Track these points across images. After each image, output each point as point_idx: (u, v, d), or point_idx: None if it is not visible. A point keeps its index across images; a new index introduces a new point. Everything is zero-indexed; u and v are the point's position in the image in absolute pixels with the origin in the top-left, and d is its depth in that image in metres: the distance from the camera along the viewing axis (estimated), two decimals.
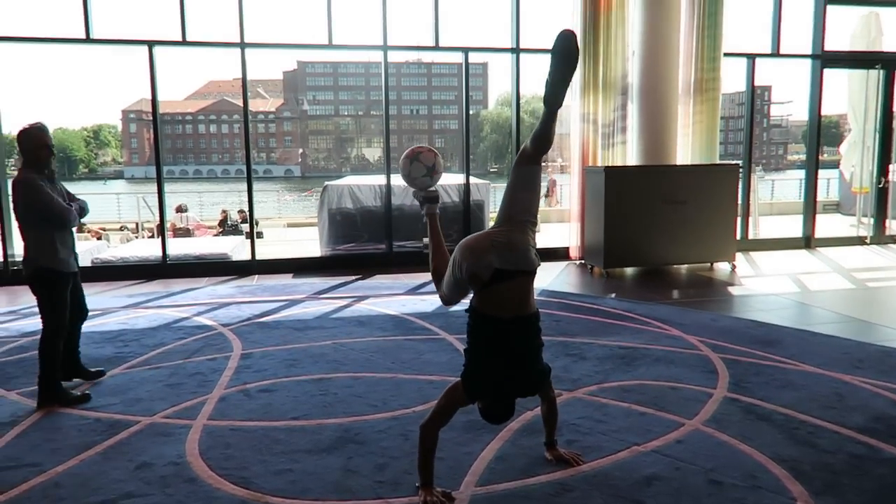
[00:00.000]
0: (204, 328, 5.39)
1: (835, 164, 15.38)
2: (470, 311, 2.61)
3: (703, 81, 8.40)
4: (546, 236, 10.30)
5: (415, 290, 6.84)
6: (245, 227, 12.73)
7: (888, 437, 3.17)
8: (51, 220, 3.76)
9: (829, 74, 9.48)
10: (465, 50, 8.30)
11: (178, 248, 8.51)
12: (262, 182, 63.04)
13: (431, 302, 6.27)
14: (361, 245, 8.58)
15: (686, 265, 8.06)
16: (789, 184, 25.59)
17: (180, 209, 12.59)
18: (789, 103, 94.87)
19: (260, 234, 12.60)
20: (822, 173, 12.19)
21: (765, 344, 4.76)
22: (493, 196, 9.18)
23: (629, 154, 8.36)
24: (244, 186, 8.15)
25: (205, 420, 3.50)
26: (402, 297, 6.54)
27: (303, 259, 8.36)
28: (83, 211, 4.03)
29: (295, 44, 8.39)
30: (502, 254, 2.48)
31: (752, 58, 9.04)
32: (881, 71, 9.69)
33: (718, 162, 8.53)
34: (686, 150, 8.53)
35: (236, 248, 8.70)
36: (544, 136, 2.57)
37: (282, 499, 2.71)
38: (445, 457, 2.95)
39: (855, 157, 11.98)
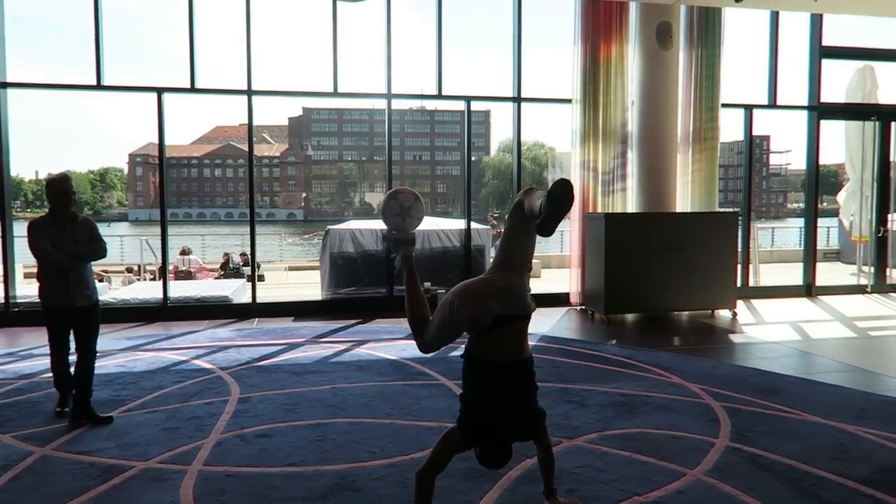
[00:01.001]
0: (202, 371, 5.36)
1: (834, 213, 15.50)
2: (465, 356, 2.61)
3: (701, 131, 8.54)
4: (546, 282, 10.32)
5: None
6: (247, 270, 12.74)
7: (894, 490, 3.12)
8: (37, 260, 4.21)
9: (827, 125, 9.62)
10: (468, 99, 8.46)
11: (180, 290, 8.51)
12: (264, 225, 63.45)
13: None
14: (362, 289, 8.59)
15: (687, 312, 8.04)
16: (789, 232, 25.71)
17: (184, 252, 12.63)
18: (788, 152, 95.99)
19: (261, 278, 12.61)
20: (821, 222, 12.28)
21: (767, 393, 4.72)
22: (493, 241, 9.22)
23: (629, 201, 8.44)
24: (247, 230, 8.18)
25: (200, 465, 3.46)
26: (401, 341, 6.51)
27: (303, 302, 8.35)
28: (80, 255, 4.21)
29: (301, 91, 8.54)
30: (503, 299, 2.50)
31: (749, 108, 9.20)
32: (877, 123, 9.84)
33: (718, 210, 8.61)
34: (685, 197, 8.61)
35: (237, 291, 8.71)
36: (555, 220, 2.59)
37: None
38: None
39: (854, 206, 12.06)
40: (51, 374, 4.45)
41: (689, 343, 6.63)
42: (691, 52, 8.46)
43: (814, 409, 4.33)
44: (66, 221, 4.22)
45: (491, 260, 9.39)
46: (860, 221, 12.48)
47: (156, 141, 7.70)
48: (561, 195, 2.45)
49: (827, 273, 11.14)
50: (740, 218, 8.54)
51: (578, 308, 8.44)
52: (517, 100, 8.41)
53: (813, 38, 9.30)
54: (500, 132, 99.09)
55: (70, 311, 4.19)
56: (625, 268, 7.48)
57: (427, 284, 8.54)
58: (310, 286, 11.41)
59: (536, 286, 8.81)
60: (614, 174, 8.41)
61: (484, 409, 2.53)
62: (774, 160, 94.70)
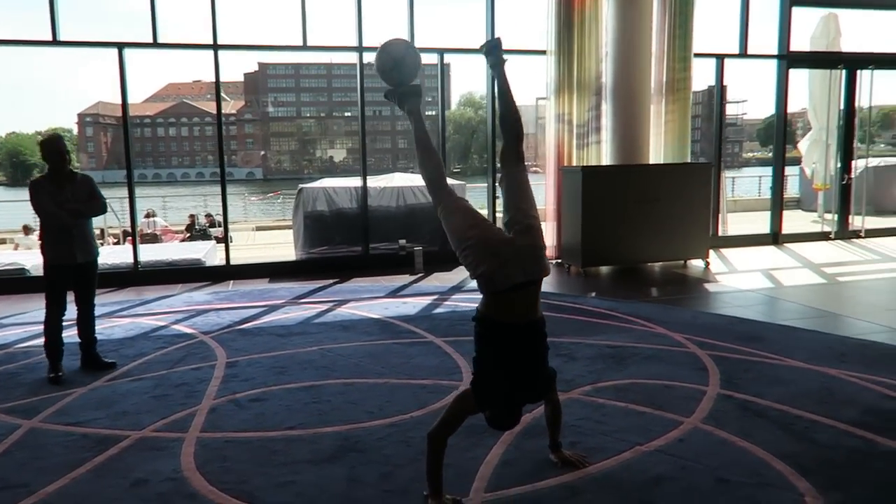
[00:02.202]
0: (184, 336, 5.25)
1: (793, 161, 15.84)
2: (478, 319, 2.58)
3: (674, 81, 8.52)
4: None
5: (396, 293, 6.77)
6: (214, 231, 12.49)
7: (883, 431, 3.23)
8: (40, 219, 4.41)
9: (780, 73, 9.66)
10: (441, 51, 8.26)
11: (149, 254, 8.28)
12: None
13: (414, 304, 6.22)
14: (337, 248, 8.47)
15: (660, 263, 8.15)
16: (747, 181, 26.23)
17: (149, 214, 12.28)
18: (744, 102, 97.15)
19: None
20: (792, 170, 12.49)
21: (749, 340, 4.83)
22: (467, 196, 9.12)
23: (603, 154, 8.43)
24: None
25: (197, 432, 3.40)
26: (383, 300, 6.47)
27: (278, 263, 8.22)
28: (80, 212, 4.33)
29: (269, 45, 8.24)
30: (525, 265, 2.46)
31: (720, 58, 9.20)
32: (843, 71, 9.95)
33: (693, 161, 8.66)
34: (658, 149, 8.64)
35: (209, 254, 8.51)
36: (506, 111, 2.64)
37: None
38: (451, 463, 2.88)
39: (816, 155, 12.30)
40: (26, 344, 4.35)
41: (666, 293, 6.73)
42: (664, 1, 8.37)
43: (796, 355, 4.46)
44: (63, 180, 4.32)
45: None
46: (823, 170, 12.76)
47: (105, 100, 7.50)
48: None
49: (788, 221, 11.35)
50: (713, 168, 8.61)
51: (554, 261, 8.48)
52: None
53: None
54: (460, 86, 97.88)
55: (73, 267, 4.35)
56: (602, 220, 7.52)
57: (402, 242, 8.49)
58: (280, 246, 11.25)
59: None
60: (589, 126, 8.37)
61: (498, 372, 2.51)
62: (731, 110, 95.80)
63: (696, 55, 8.69)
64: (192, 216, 13.38)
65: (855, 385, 3.88)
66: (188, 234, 12.64)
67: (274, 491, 2.79)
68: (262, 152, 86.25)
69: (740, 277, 7.43)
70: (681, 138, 8.64)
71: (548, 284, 7.25)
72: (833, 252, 9.06)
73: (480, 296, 2.58)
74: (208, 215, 13.51)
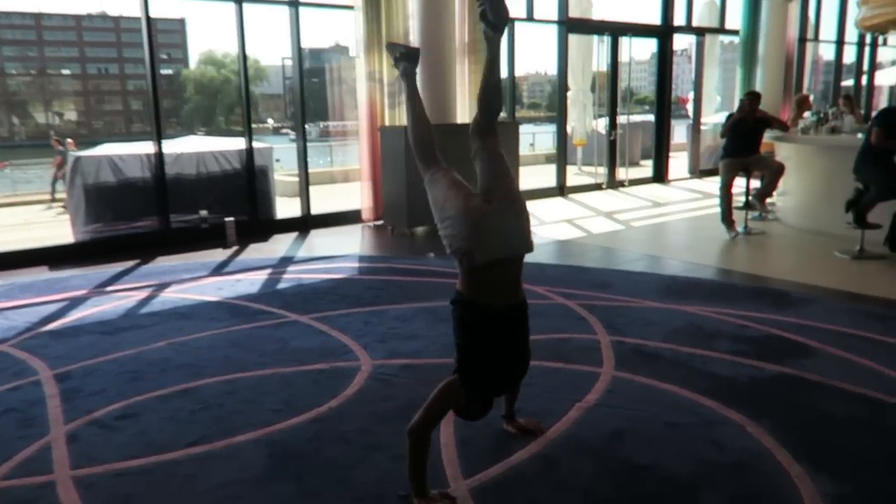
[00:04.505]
0: None
1: (549, 120, 17.39)
2: (458, 303, 2.35)
3: (475, 42, 8.66)
4: (332, 200, 9.87)
5: (220, 271, 6.05)
6: None
7: (762, 357, 3.64)
8: None
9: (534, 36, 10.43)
10: (292, 4, 7.40)
11: None
12: None
13: (250, 281, 5.61)
14: (122, 224, 7.30)
15: None
16: None
17: None
18: None
19: None
20: (543, 128, 13.54)
21: (601, 286, 5.15)
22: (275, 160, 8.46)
23: None
24: None
25: (69, 470, 2.66)
26: (209, 279, 5.73)
27: (55, 247, 6.85)
28: None
29: None
30: (509, 239, 2.28)
31: (511, 22, 9.57)
32: (608, 37, 10.98)
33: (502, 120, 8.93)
34: (464, 107, 8.78)
35: None
36: (492, 82, 2.41)
37: None
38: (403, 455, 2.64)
39: (575, 114, 13.59)
40: None
41: None
42: None
43: (647, 296, 4.85)
44: None
45: (276, 178, 8.52)
46: (582, 127, 14.15)
47: None
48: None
49: (552, 174, 12.27)
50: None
51: (373, 224, 8.27)
52: (295, 4, 7.62)
53: None
54: (199, 43, 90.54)
55: None
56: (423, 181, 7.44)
57: (203, 213, 7.62)
58: (34, 226, 9.53)
59: (318, 206, 8.37)
60: (399, 85, 8.19)
61: (490, 359, 2.32)
62: None
63: None
64: None
65: (711, 318, 4.33)
66: None
67: None
68: None
69: (553, 228, 7.91)
70: None
71: (379, 248, 7.06)
72: (611, 200, 10.07)
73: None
74: None
